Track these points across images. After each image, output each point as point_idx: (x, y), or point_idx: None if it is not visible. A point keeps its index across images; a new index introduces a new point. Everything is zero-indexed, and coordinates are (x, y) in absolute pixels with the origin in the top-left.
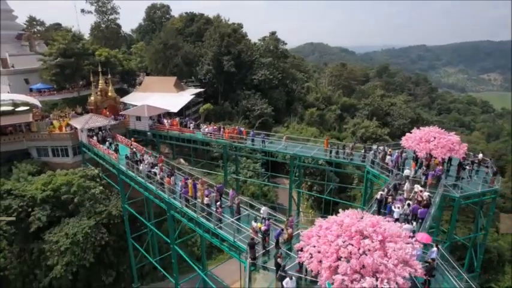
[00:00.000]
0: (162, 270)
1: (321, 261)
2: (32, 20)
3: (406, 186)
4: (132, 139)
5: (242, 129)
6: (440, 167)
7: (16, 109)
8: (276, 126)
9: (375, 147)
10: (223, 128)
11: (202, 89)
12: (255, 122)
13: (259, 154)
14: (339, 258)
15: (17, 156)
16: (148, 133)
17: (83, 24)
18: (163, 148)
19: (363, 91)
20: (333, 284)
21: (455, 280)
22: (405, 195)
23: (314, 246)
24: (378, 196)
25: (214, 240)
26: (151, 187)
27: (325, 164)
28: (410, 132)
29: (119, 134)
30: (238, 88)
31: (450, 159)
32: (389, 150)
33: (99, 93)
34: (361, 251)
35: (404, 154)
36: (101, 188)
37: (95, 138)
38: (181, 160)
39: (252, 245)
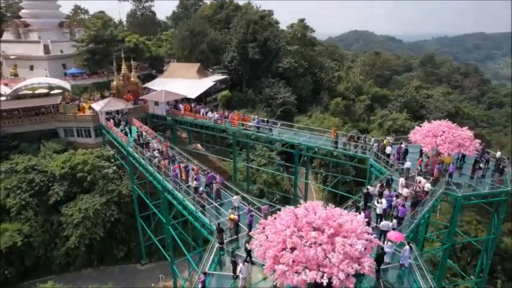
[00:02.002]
0: (161, 249)
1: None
2: (77, 9)
3: (401, 181)
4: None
5: (256, 116)
6: (452, 165)
7: (51, 92)
8: (299, 115)
9: (373, 139)
10: (229, 114)
11: (225, 76)
12: (277, 110)
13: (277, 144)
14: (284, 249)
15: (46, 136)
16: (168, 118)
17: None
18: (181, 133)
19: (397, 82)
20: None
21: (422, 281)
22: (399, 190)
23: (266, 235)
24: (365, 190)
25: (196, 224)
26: (150, 169)
27: (340, 155)
28: (420, 126)
29: (139, 118)
30: (263, 76)
31: (463, 156)
32: (386, 140)
33: (121, 78)
34: (308, 243)
35: (403, 145)
36: (115, 168)
37: (112, 121)
38: (198, 145)
39: (219, 230)
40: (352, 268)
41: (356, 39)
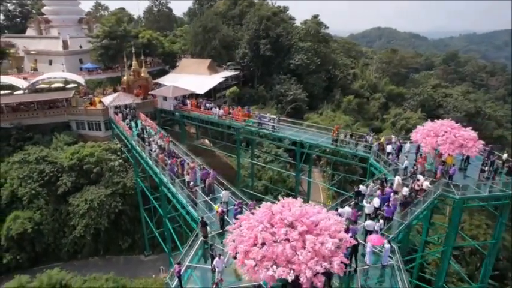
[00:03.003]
0: (161, 241)
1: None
2: (97, 5)
3: (398, 179)
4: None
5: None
6: (454, 166)
7: (66, 86)
8: (310, 112)
9: (370, 138)
10: (232, 109)
11: (236, 72)
12: (287, 107)
13: (286, 140)
14: (256, 244)
15: (59, 128)
16: (177, 113)
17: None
18: (189, 128)
19: (415, 80)
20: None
21: (402, 281)
22: (394, 188)
23: (241, 230)
24: (356, 188)
25: (187, 217)
26: (150, 163)
27: (343, 154)
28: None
29: (148, 113)
30: (275, 72)
31: (468, 157)
32: (383, 138)
33: (131, 73)
34: (279, 240)
35: (407, 145)
36: (120, 161)
37: (120, 115)
38: (206, 141)
39: (203, 223)
40: (322, 266)
41: (378, 36)
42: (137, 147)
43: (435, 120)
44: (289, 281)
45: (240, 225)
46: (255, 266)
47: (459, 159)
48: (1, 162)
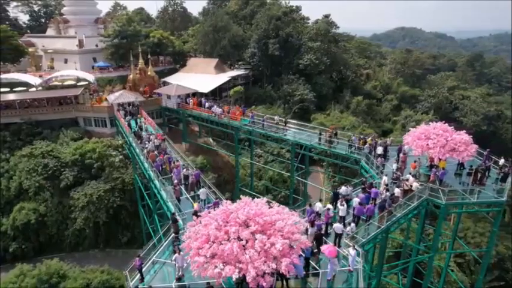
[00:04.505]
0: (153, 236)
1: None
2: (116, 6)
3: (384, 180)
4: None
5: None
6: (442, 170)
7: (78, 83)
8: (317, 113)
9: (353, 137)
10: (229, 109)
11: (243, 72)
12: (294, 107)
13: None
14: (208, 241)
15: (68, 124)
16: (180, 111)
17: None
18: (193, 127)
19: (430, 81)
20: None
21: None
22: (381, 189)
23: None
24: (336, 189)
25: (168, 213)
26: (142, 158)
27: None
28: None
29: (153, 111)
30: (284, 72)
31: (463, 163)
32: (369, 139)
33: (138, 72)
34: (231, 238)
35: (405, 147)
36: (121, 157)
37: (122, 112)
38: (210, 139)
39: (174, 220)
40: (269, 267)
41: (402, 36)
42: (133, 144)
43: (429, 123)
44: (234, 279)
45: (200, 222)
46: (206, 263)
47: (455, 164)
48: (11, 156)
